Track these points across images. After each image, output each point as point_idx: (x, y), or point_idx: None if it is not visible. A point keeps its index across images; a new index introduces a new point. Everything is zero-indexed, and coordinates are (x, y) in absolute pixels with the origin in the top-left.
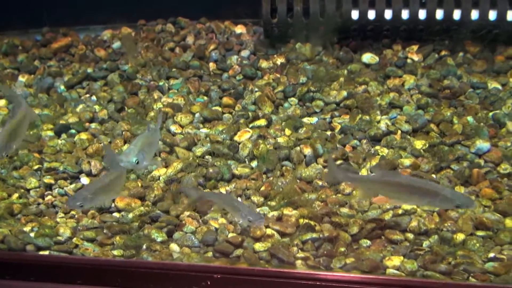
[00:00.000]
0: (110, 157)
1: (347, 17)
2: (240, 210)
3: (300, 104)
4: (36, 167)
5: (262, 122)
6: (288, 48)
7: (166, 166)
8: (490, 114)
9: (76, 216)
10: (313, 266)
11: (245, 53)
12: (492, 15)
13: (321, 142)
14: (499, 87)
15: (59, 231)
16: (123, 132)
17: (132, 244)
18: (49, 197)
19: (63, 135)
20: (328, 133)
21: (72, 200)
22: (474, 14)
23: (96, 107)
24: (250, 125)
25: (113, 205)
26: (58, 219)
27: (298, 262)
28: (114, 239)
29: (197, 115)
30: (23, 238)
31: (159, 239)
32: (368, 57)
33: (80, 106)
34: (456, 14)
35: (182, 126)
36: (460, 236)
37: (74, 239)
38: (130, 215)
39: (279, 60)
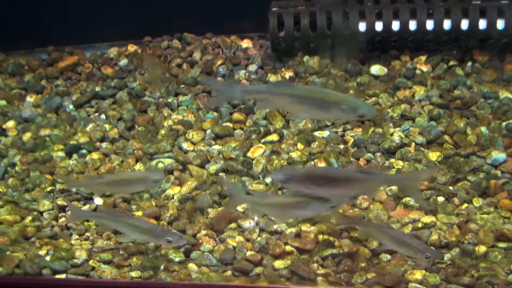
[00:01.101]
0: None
1: (355, 29)
2: (413, 245)
3: None
4: (48, 188)
5: (274, 137)
6: (296, 61)
7: (180, 185)
8: (503, 124)
9: (91, 237)
10: (334, 282)
11: (252, 67)
12: (500, 24)
13: (335, 156)
14: (511, 96)
15: (75, 254)
16: (135, 151)
17: (149, 265)
18: (63, 219)
19: (74, 156)
20: (341, 146)
21: None
22: (482, 24)
23: (106, 125)
24: (262, 141)
25: None
26: (73, 241)
27: (319, 278)
28: (131, 260)
29: (208, 131)
30: (39, 262)
31: (176, 259)
32: (376, 69)
33: (90, 125)
34: (464, 24)
35: (194, 143)
36: (481, 248)
37: (91, 262)
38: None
39: (288, 74)
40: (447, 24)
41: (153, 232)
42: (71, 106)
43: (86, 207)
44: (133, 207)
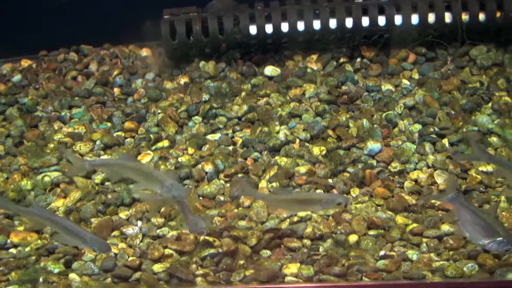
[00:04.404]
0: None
1: (246, 32)
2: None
3: (204, 122)
4: None
5: (164, 143)
6: (192, 67)
7: (65, 197)
8: (384, 115)
9: None
10: (213, 281)
11: (150, 75)
12: (381, 21)
13: (222, 158)
14: (392, 88)
15: None
16: (21, 167)
17: (27, 278)
18: None
19: None
20: (231, 148)
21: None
22: (365, 21)
23: None
24: (153, 147)
25: (8, 241)
26: None
27: (198, 279)
28: (9, 275)
29: (97, 142)
30: None
31: (56, 271)
32: (270, 70)
33: None
34: (348, 22)
35: (82, 155)
36: (353, 237)
37: None
38: (27, 249)
39: (183, 80)
40: (332, 23)
41: None
42: None
43: None
44: (16, 222)
